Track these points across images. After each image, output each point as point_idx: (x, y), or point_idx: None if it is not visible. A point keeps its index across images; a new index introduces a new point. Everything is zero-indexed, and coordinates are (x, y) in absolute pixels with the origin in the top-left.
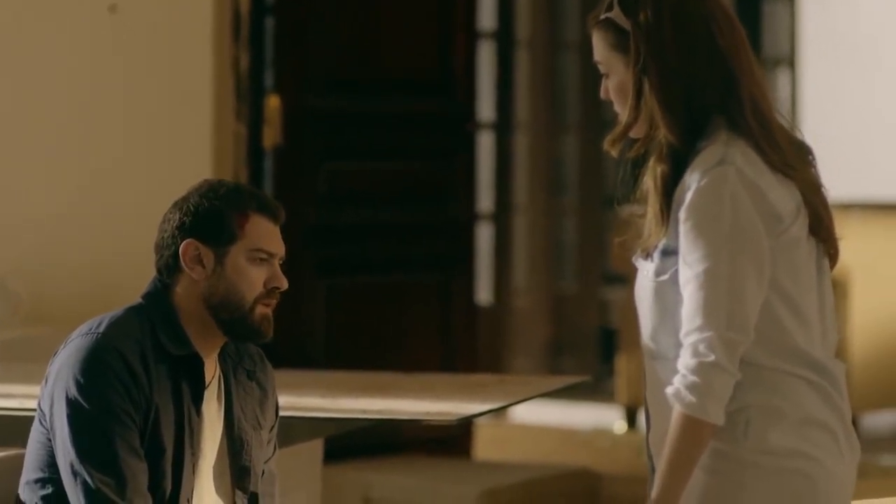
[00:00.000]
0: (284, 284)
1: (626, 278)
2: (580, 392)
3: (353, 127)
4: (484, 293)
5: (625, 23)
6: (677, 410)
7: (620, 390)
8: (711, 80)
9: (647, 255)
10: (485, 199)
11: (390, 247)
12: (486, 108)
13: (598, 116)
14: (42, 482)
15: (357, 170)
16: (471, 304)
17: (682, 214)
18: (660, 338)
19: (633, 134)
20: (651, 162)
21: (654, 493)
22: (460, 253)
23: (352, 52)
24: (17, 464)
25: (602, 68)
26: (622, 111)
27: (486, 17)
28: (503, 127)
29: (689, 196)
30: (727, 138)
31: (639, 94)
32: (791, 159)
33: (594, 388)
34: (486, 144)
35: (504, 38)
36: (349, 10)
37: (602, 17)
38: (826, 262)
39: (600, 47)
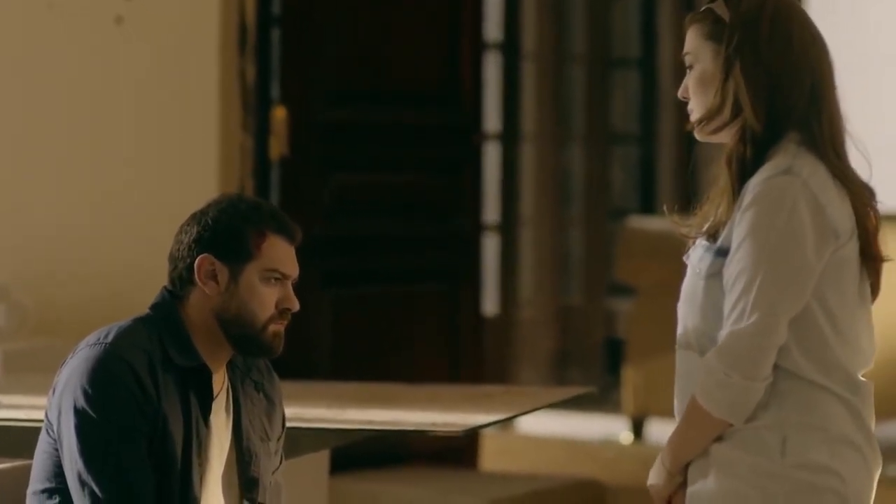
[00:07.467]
0: (296, 306)
1: (632, 290)
2: (586, 403)
3: (359, 138)
4: (490, 304)
5: (724, 13)
6: (697, 402)
7: (627, 401)
8: (797, 84)
9: (714, 237)
10: (491, 211)
11: (396, 258)
12: (492, 119)
13: (604, 128)
14: (49, 492)
15: (363, 181)
16: (477, 316)
17: (737, 216)
18: (710, 334)
19: (712, 125)
20: (728, 147)
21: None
22: (466, 264)
23: (358, 64)
24: (23, 474)
25: (689, 59)
26: (699, 102)
27: (493, 28)
28: (509, 138)
29: (748, 199)
30: (796, 151)
31: (727, 77)
32: (851, 175)
33: (600, 399)
34: (492, 156)
35: (510, 49)
36: (355, 22)
37: (704, 7)
38: (868, 289)
39: (692, 37)
